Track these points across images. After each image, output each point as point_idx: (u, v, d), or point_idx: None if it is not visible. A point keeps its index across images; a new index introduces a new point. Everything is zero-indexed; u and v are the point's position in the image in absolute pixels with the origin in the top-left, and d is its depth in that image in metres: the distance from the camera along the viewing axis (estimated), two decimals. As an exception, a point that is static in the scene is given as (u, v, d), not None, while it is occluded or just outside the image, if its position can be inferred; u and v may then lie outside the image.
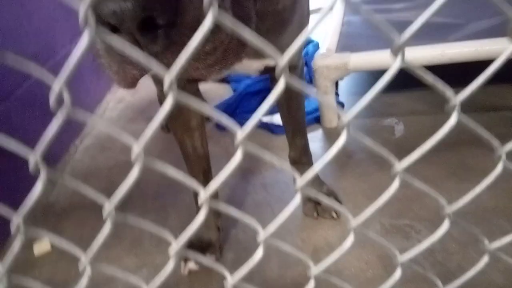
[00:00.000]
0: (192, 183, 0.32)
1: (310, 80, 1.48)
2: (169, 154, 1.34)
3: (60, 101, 0.26)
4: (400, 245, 0.85)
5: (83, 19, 0.22)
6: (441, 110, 1.33)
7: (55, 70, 0.28)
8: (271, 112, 1.48)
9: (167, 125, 1.39)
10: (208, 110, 0.30)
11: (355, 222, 0.35)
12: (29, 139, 1.02)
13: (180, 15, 0.34)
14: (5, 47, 1.15)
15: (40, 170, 0.29)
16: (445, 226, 0.35)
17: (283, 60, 0.26)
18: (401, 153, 1.28)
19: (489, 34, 1.20)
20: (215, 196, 0.98)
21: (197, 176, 0.94)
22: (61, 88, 0.25)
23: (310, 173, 0.32)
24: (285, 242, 0.37)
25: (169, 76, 0.26)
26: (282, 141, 1.26)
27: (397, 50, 0.24)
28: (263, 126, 1.45)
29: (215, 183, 0.31)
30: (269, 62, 0.74)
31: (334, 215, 0.98)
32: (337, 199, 1.02)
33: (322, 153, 1.26)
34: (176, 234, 0.32)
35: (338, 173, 1.14)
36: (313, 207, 1.00)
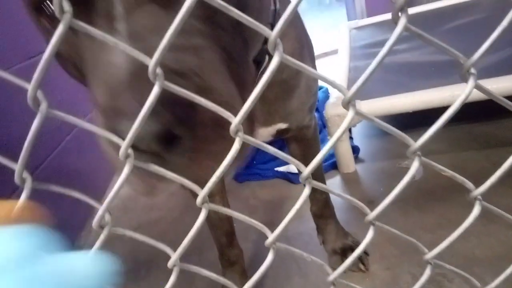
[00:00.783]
0: (227, 282, 0.33)
1: (323, 125, 1.50)
2: (192, 212, 1.36)
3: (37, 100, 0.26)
4: (433, 297, 0.83)
5: (57, 8, 0.23)
6: (459, 148, 1.32)
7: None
8: (287, 161, 1.50)
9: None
10: (235, 214, 0.32)
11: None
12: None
13: (200, 124, 0.33)
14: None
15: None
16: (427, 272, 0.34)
17: (306, 170, 0.28)
18: (423, 196, 1.27)
19: (497, 69, 1.21)
20: (240, 254, 0.98)
21: (220, 238, 0.94)
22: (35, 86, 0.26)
23: (341, 268, 0.33)
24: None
25: (202, 193, 0.28)
26: (301, 190, 1.26)
27: (466, 73, 0.25)
28: (281, 176, 1.46)
29: (249, 284, 0.32)
30: (280, 126, 0.76)
31: (362, 267, 0.96)
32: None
33: (341, 200, 1.26)
34: None
35: (361, 221, 1.13)
36: (339, 260, 0.99)
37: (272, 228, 0.33)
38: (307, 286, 0.96)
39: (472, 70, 0.26)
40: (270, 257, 0.31)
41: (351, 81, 1.46)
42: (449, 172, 0.30)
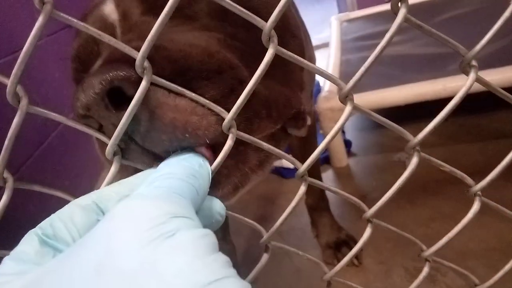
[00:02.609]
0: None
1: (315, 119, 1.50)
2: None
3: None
4: (427, 290, 0.83)
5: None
6: (452, 141, 1.32)
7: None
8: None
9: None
10: (229, 214, 0.31)
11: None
12: None
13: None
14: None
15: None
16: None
17: (302, 167, 0.27)
18: (416, 189, 1.28)
19: (490, 61, 1.21)
20: (233, 250, 0.98)
21: (214, 233, 0.93)
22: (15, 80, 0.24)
23: (337, 267, 0.32)
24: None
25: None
26: (293, 185, 1.26)
27: (467, 66, 0.24)
28: (273, 171, 1.45)
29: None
30: None
31: (356, 261, 0.96)
32: (356, 243, 1.00)
33: (335, 195, 1.25)
34: None
35: (354, 215, 1.13)
36: (333, 254, 0.98)
37: (264, 223, 0.32)
38: (300, 281, 0.96)
39: (473, 63, 0.25)
40: (265, 256, 0.30)
41: (343, 75, 1.45)
42: (448, 167, 0.29)
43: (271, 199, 1.32)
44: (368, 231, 0.30)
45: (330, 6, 3.59)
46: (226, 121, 0.26)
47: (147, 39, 0.23)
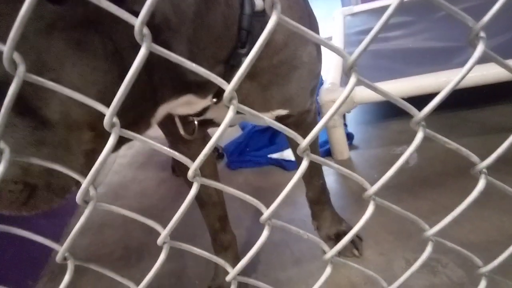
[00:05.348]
0: (219, 261, 0.32)
1: (318, 112, 1.49)
2: (183, 200, 1.34)
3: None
4: (428, 281, 0.82)
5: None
6: (452, 134, 1.32)
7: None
8: (281, 148, 1.49)
9: (178, 169, 1.39)
10: (230, 190, 0.30)
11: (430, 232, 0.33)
12: None
13: None
14: None
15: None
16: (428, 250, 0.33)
17: (304, 142, 0.26)
18: (418, 182, 1.27)
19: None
20: (233, 239, 0.97)
21: (213, 223, 0.93)
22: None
23: (338, 246, 0.31)
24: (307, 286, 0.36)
25: (193, 166, 0.27)
26: (295, 177, 1.25)
27: (475, 37, 0.24)
28: (275, 163, 1.45)
29: (244, 260, 0.31)
30: (280, 112, 0.74)
31: (356, 252, 0.96)
32: (357, 235, 1.00)
33: (335, 186, 1.25)
34: (195, 283, 0.32)
35: (355, 208, 1.13)
36: (333, 246, 0.98)
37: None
38: (301, 271, 0.95)
39: (482, 34, 0.25)
40: (265, 233, 0.29)
41: (345, 67, 1.44)
42: (454, 145, 0.28)
43: (272, 191, 1.32)
44: (370, 209, 0.30)
45: (333, 0, 3.56)
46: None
47: (146, 4, 0.23)
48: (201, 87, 0.56)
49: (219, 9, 0.54)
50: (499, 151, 0.28)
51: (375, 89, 0.27)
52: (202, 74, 0.27)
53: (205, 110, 0.64)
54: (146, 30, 0.24)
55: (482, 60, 0.96)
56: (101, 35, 0.39)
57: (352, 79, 0.25)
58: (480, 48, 0.25)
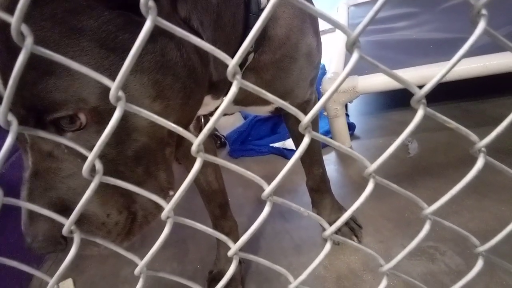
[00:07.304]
0: (221, 236, 0.33)
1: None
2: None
3: None
4: (426, 268, 0.83)
5: None
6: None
7: None
8: (282, 137, 1.49)
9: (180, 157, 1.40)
10: (231, 166, 0.31)
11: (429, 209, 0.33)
12: None
13: None
14: None
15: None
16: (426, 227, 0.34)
17: (306, 119, 0.27)
18: (418, 172, 1.27)
19: (495, 47, 1.20)
20: (234, 226, 0.98)
21: (214, 210, 0.94)
22: None
23: (338, 222, 0.32)
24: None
25: (197, 141, 0.27)
26: (297, 165, 1.26)
27: (476, 15, 0.24)
28: (276, 152, 1.45)
29: (246, 236, 0.32)
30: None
31: (355, 239, 0.97)
32: (356, 223, 1.01)
33: (337, 175, 1.26)
34: (197, 267, 0.32)
35: (355, 196, 1.13)
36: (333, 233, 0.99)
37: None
38: (301, 257, 0.97)
39: (483, 11, 0.25)
40: (266, 209, 0.30)
41: (348, 57, 1.44)
42: (454, 124, 0.29)
43: (274, 179, 1.33)
44: (370, 186, 0.30)
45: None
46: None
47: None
48: (217, 88, 0.58)
49: (232, 10, 0.55)
50: (498, 129, 0.28)
51: (376, 66, 0.27)
52: (217, 55, 0.26)
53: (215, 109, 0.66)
54: (151, 3, 0.24)
55: (484, 51, 0.96)
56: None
57: (355, 55, 0.26)
58: (481, 25, 0.25)
